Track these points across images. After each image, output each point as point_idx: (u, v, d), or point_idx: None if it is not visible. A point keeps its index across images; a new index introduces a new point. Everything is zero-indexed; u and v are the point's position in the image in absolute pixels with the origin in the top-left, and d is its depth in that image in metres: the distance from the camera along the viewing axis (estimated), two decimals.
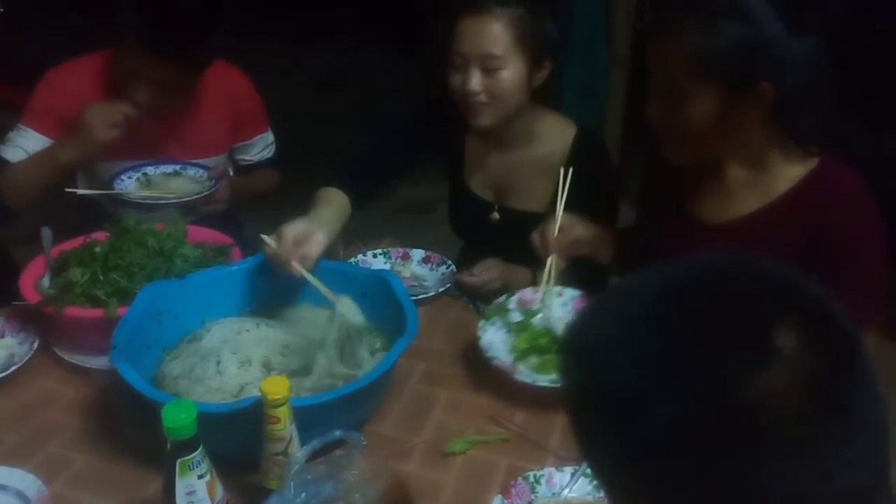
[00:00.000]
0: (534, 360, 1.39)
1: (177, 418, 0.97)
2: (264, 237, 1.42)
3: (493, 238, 1.83)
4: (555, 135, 1.75)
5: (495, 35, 1.57)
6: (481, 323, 1.44)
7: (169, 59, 1.70)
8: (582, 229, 1.57)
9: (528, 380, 1.34)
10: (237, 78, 2.02)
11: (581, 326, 0.67)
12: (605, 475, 0.65)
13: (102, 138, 1.70)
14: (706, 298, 0.60)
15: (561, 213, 1.55)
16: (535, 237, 1.56)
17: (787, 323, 0.57)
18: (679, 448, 0.57)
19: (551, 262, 1.52)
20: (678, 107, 1.25)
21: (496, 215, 1.82)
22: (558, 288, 1.52)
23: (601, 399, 0.62)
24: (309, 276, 1.40)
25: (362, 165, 1.74)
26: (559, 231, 1.53)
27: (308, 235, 1.41)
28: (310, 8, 5.38)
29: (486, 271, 1.71)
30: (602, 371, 0.62)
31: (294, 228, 1.41)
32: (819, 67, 1.21)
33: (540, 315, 1.48)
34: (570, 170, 1.58)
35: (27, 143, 1.81)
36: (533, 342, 1.41)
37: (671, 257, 0.64)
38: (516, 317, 1.48)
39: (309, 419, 1.10)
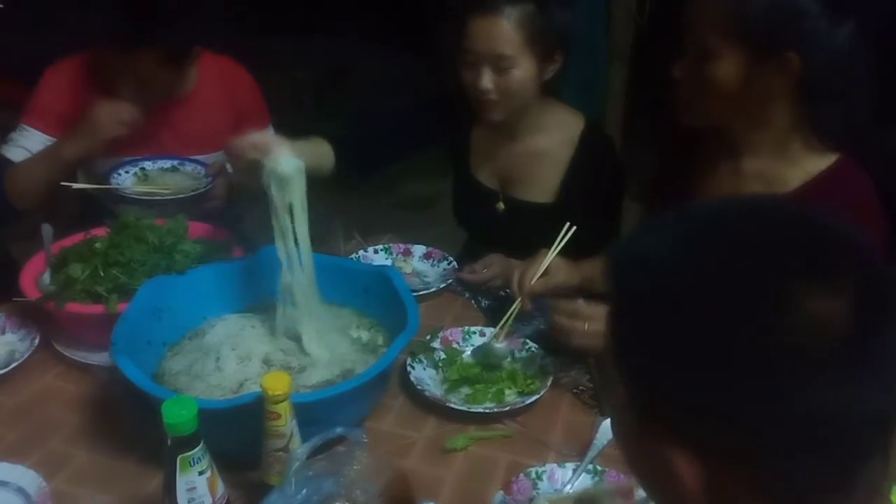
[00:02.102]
0: (465, 390, 1.38)
1: (177, 414, 0.97)
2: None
3: (498, 228, 1.82)
4: (563, 126, 1.74)
5: (506, 34, 1.56)
6: (408, 360, 1.41)
7: (139, 49, 1.68)
8: (565, 276, 1.51)
9: (462, 408, 1.32)
10: (238, 73, 2.01)
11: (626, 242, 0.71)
12: (624, 352, 0.66)
13: (109, 132, 1.71)
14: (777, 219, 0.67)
15: (551, 258, 1.49)
16: (516, 275, 1.50)
17: (849, 260, 0.62)
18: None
19: (518, 303, 1.48)
20: (704, 65, 1.24)
21: (501, 205, 1.81)
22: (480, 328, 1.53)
23: (639, 268, 0.65)
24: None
25: (355, 147, 1.76)
26: (543, 274, 1.49)
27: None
28: (311, 3, 5.37)
29: (487, 268, 1.70)
30: (641, 258, 0.65)
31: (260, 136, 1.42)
32: (854, 58, 1.19)
33: (468, 351, 1.48)
34: (573, 227, 1.51)
35: (29, 142, 1.82)
36: (463, 373, 1.40)
37: None
38: (441, 355, 1.46)
39: (310, 415, 1.10)
